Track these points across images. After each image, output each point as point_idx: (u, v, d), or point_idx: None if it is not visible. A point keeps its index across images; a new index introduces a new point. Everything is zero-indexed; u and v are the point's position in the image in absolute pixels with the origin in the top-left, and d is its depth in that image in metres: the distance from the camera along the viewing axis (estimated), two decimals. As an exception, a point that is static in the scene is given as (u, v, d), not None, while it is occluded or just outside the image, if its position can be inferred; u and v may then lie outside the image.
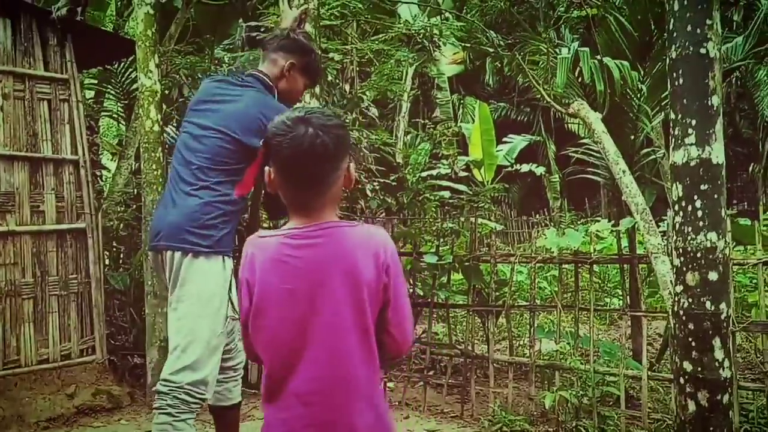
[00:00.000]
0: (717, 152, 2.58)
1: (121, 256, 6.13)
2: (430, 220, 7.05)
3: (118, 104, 7.62)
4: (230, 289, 2.78)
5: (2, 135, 4.19)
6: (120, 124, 8.79)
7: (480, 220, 6.76)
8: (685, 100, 2.62)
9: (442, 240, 5.03)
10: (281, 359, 1.61)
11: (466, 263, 4.65)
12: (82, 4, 4.82)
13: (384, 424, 1.67)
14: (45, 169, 4.37)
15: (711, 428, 2.63)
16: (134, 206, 5.78)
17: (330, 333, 1.58)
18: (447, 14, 10.00)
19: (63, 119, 4.50)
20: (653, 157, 5.13)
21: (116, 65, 6.94)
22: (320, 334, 1.58)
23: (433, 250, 4.83)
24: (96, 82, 7.74)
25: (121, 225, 5.85)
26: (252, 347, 1.70)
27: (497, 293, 4.69)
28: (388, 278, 1.63)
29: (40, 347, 4.23)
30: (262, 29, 5.70)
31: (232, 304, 2.77)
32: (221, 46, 7.68)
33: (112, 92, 7.51)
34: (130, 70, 6.90)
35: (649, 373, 3.90)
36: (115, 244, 6.04)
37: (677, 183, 2.65)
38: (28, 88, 4.34)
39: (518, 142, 14.65)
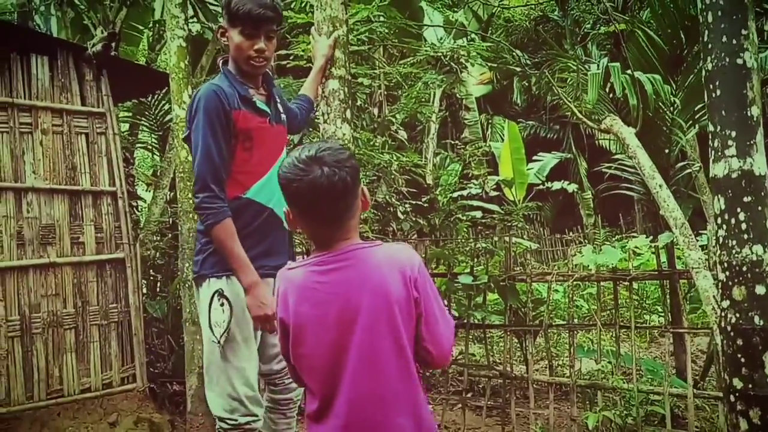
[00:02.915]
0: (759, 163, 2.53)
1: (159, 284, 6.21)
2: (463, 240, 7.03)
3: (153, 136, 7.76)
4: (209, 310, 2.59)
5: (42, 169, 4.29)
6: (154, 155, 8.94)
7: (514, 239, 6.71)
8: (723, 112, 2.58)
9: (476, 260, 5.01)
10: (323, 382, 1.65)
11: (502, 283, 4.61)
12: (116, 39, 4.94)
13: None
14: (84, 201, 4.45)
15: (764, 447, 2.55)
16: (170, 235, 5.87)
17: (366, 352, 1.60)
18: (473, 35, 10.05)
19: (100, 152, 4.59)
20: (689, 170, 5.06)
21: (150, 98, 7.08)
22: (356, 354, 1.60)
23: (468, 270, 4.80)
24: (131, 114, 7.90)
25: (158, 254, 5.93)
26: (298, 376, 1.74)
27: (534, 312, 4.64)
28: (418, 292, 1.64)
29: (82, 377, 4.28)
30: (291, 57, 5.79)
31: (210, 328, 2.59)
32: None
33: (146, 124, 7.66)
34: (164, 102, 7.03)
35: (695, 391, 3.80)
36: (152, 273, 6.13)
37: (719, 196, 2.60)
38: (66, 122, 4.44)
39: (549, 159, 14.56)
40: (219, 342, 2.55)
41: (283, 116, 2.86)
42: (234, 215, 2.55)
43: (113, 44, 4.78)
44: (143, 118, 7.61)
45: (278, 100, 2.87)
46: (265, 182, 2.65)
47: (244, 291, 2.52)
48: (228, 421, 2.59)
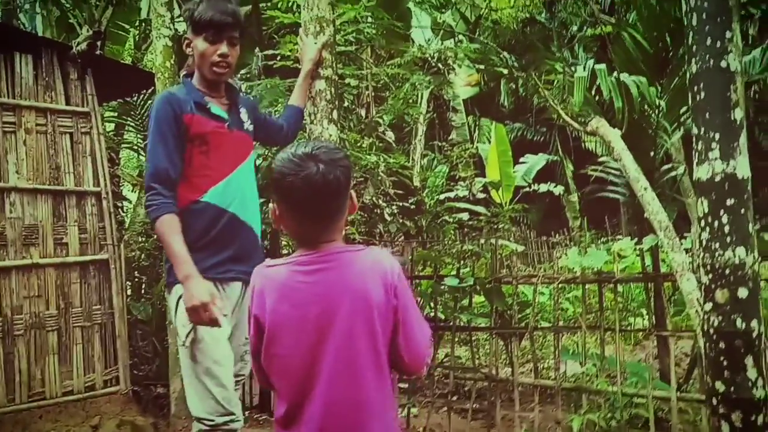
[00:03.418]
0: (742, 166, 2.53)
1: (143, 286, 6.17)
2: (450, 242, 7.03)
3: (138, 136, 7.71)
4: (176, 313, 2.68)
5: (26, 169, 4.25)
6: (140, 156, 8.89)
7: (500, 242, 6.72)
8: (707, 114, 2.58)
9: (462, 262, 5.01)
10: (297, 385, 1.62)
11: (488, 285, 4.61)
12: (101, 38, 4.90)
13: None
14: (68, 202, 4.41)
15: (747, 449, 2.56)
16: (155, 236, 5.82)
17: (343, 356, 1.59)
18: (460, 37, 10.07)
19: (85, 152, 4.55)
20: (674, 173, 5.08)
21: (136, 97, 7.04)
22: (333, 357, 1.59)
23: (454, 272, 4.80)
24: (116, 114, 7.85)
25: (143, 255, 5.89)
26: (265, 376, 1.72)
27: (520, 315, 4.64)
28: (397, 300, 1.64)
29: (64, 379, 4.24)
30: (278, 58, 5.77)
31: (177, 331, 2.70)
32: (238, 75, 7.76)
33: (132, 124, 7.61)
34: (149, 102, 6.99)
35: (678, 394, 3.82)
36: (137, 275, 6.08)
37: (702, 198, 2.61)
38: (50, 122, 4.40)
39: (535, 162, 14.60)
40: (184, 344, 2.63)
41: (247, 125, 2.93)
42: (193, 219, 2.66)
43: (99, 43, 4.76)
44: (129, 118, 7.56)
45: (243, 110, 2.94)
46: (223, 186, 2.73)
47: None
48: (205, 422, 2.61)
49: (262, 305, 1.65)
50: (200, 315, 2.52)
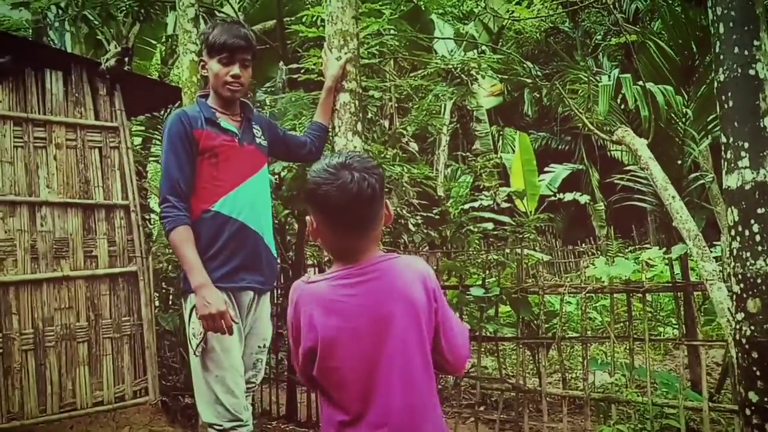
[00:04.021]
0: (772, 174, 2.51)
1: (171, 297, 6.22)
2: (475, 252, 7.01)
3: (165, 149, 7.79)
4: (189, 323, 2.82)
5: (56, 183, 4.33)
6: (167, 169, 8.98)
7: (526, 251, 6.68)
8: (736, 123, 2.56)
9: (487, 272, 4.99)
10: (357, 395, 1.64)
11: (514, 295, 4.59)
12: (129, 54, 4.98)
13: None
14: (97, 215, 4.48)
15: (781, 462, 2.51)
16: (177, 248, 5.87)
17: (398, 363, 1.62)
18: (483, 47, 10.07)
19: (113, 166, 4.62)
20: (702, 182, 5.03)
21: (163, 112, 7.13)
22: (389, 365, 1.61)
23: (479, 282, 4.78)
24: (143, 128, 7.96)
25: (170, 267, 5.94)
26: (317, 386, 1.74)
27: (547, 325, 4.61)
28: (437, 303, 1.67)
29: (94, 390, 4.29)
30: (302, 71, 5.82)
31: (189, 340, 2.83)
32: (262, 89, 7.84)
33: (159, 138, 7.70)
34: (176, 116, 7.07)
35: (710, 404, 3.76)
36: (164, 286, 6.14)
37: (732, 207, 2.59)
38: (79, 136, 4.48)
39: (560, 171, 14.52)
40: (195, 353, 2.76)
41: (260, 140, 3.06)
42: (203, 227, 2.79)
43: (126, 59, 4.83)
44: (156, 132, 7.66)
45: (257, 127, 3.09)
46: (232, 196, 2.85)
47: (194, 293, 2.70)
48: (215, 427, 2.74)
49: (307, 321, 1.66)
50: (216, 323, 2.63)
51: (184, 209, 2.76)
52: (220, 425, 2.73)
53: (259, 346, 3.02)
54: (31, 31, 7.60)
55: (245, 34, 2.92)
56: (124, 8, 6.41)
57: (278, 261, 3.26)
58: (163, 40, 8.67)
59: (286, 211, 4.91)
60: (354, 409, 1.64)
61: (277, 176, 4.82)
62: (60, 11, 7.11)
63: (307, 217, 1.71)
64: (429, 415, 1.65)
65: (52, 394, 4.10)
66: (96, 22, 7.14)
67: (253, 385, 3.05)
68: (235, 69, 2.89)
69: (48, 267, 4.21)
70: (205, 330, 2.68)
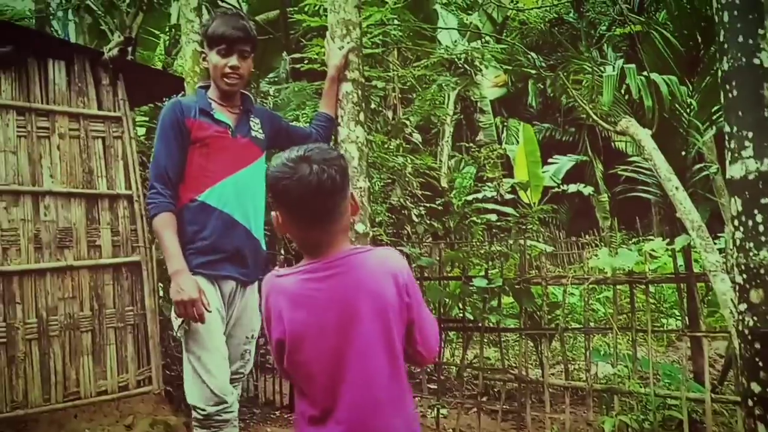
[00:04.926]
0: (776, 164, 2.49)
1: (174, 287, 6.23)
2: (478, 243, 7.01)
3: (168, 139, 7.78)
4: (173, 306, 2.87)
5: (59, 173, 4.33)
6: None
7: (529, 242, 6.67)
8: (740, 113, 2.55)
9: (491, 263, 4.99)
10: (324, 388, 1.65)
11: (517, 286, 4.58)
12: (132, 44, 4.97)
13: None
14: (100, 205, 4.48)
15: (783, 452, 2.51)
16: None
17: (364, 357, 1.62)
18: (487, 38, 10.02)
19: (117, 156, 4.62)
20: (706, 173, 5.01)
21: (166, 101, 7.13)
22: (355, 359, 1.62)
23: (482, 273, 4.78)
24: (147, 118, 7.95)
25: (173, 257, 5.95)
26: (291, 379, 1.78)
27: (550, 316, 4.61)
28: (410, 298, 1.67)
29: (98, 379, 4.31)
30: (306, 62, 5.81)
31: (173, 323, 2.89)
32: (266, 79, 7.84)
33: (161, 128, 7.68)
34: (180, 105, 7.06)
35: (713, 395, 3.76)
36: (167, 276, 6.15)
37: (736, 198, 2.58)
38: (82, 126, 4.48)
39: (564, 162, 14.47)
40: (176, 333, 2.82)
41: (256, 133, 3.06)
42: (189, 216, 2.85)
43: (130, 49, 4.82)
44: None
45: (257, 120, 3.09)
46: (219, 187, 2.87)
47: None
48: (198, 410, 2.77)
49: (277, 315, 1.68)
50: (187, 309, 2.68)
51: (169, 197, 2.81)
52: (204, 409, 2.75)
53: (247, 337, 3.05)
54: (34, 20, 7.58)
55: (244, 26, 2.94)
56: (127, -2, 6.41)
57: (266, 253, 3.25)
58: (167, 30, 8.65)
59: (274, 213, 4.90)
60: (322, 404, 1.64)
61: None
62: (63, 1, 7.11)
63: (273, 213, 1.70)
64: (397, 410, 1.65)
65: (56, 384, 4.11)
66: (99, 12, 7.13)
67: (242, 375, 3.08)
68: (234, 60, 2.91)
69: (51, 257, 4.21)
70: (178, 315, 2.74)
